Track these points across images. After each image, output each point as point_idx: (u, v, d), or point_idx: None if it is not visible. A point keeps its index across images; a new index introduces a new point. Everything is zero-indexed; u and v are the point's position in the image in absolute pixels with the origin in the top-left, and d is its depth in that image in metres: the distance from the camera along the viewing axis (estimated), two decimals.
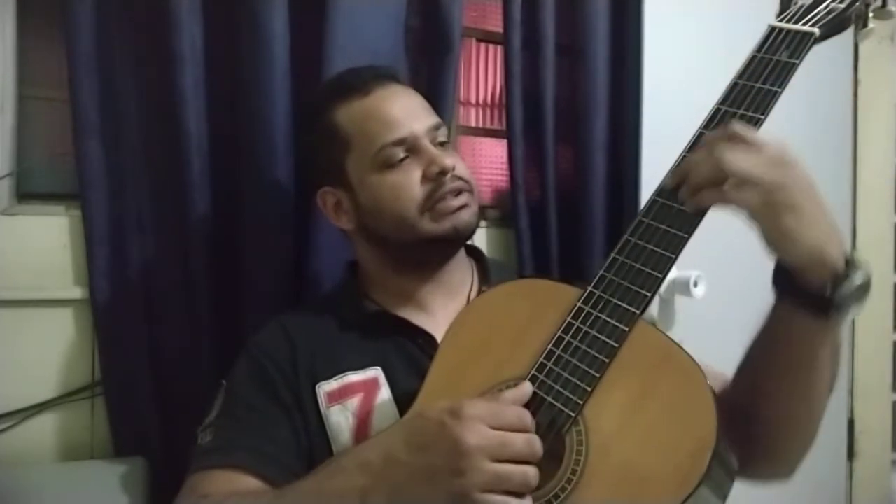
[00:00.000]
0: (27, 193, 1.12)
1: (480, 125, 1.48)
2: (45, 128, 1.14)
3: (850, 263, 0.63)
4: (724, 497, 0.66)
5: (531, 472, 0.60)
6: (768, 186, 0.61)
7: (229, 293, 1.09)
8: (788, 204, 0.61)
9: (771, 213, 0.61)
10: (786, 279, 0.65)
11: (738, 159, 0.62)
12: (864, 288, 0.63)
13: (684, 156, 0.69)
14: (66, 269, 1.09)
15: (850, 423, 1.70)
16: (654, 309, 1.14)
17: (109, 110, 1.05)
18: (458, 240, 0.88)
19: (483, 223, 1.29)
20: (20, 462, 1.05)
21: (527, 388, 0.66)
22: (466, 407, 0.61)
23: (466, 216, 0.86)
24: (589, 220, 1.31)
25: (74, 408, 1.09)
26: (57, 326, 1.08)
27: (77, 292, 1.08)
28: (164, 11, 1.02)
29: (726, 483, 0.66)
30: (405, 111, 0.87)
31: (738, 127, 0.64)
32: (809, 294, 0.63)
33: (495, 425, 0.60)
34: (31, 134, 1.12)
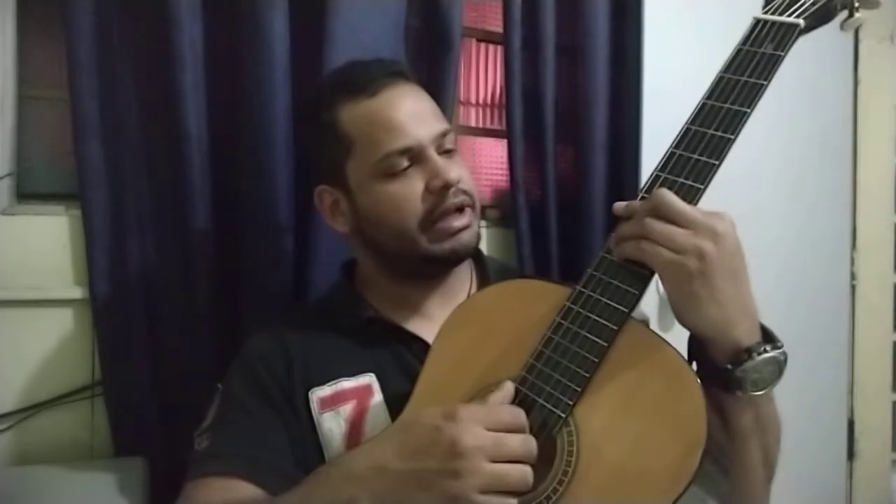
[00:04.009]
0: (27, 193, 1.12)
1: (480, 125, 1.48)
2: (45, 128, 1.14)
3: (766, 340, 0.63)
4: (721, 494, 0.66)
5: (528, 471, 0.59)
6: (685, 252, 0.61)
7: (229, 293, 1.09)
8: (700, 274, 0.61)
9: (680, 277, 0.62)
10: (697, 347, 0.66)
11: (658, 224, 0.62)
12: (774, 364, 0.63)
13: (672, 152, 0.67)
14: (66, 269, 1.09)
15: (850, 423, 1.70)
16: (653, 308, 1.14)
17: (109, 110, 1.05)
18: (457, 261, 0.87)
19: (483, 223, 1.29)
20: (20, 462, 1.05)
21: (509, 388, 0.66)
22: (461, 410, 0.61)
23: (466, 238, 0.84)
24: (589, 219, 1.31)
25: (74, 408, 1.09)
26: (57, 326, 1.08)
27: (77, 292, 1.08)
28: (164, 11, 1.02)
29: (721, 481, 0.66)
30: (412, 117, 0.82)
31: (670, 199, 0.63)
32: (712, 366, 0.64)
33: (491, 426, 0.60)
34: (31, 134, 1.12)
